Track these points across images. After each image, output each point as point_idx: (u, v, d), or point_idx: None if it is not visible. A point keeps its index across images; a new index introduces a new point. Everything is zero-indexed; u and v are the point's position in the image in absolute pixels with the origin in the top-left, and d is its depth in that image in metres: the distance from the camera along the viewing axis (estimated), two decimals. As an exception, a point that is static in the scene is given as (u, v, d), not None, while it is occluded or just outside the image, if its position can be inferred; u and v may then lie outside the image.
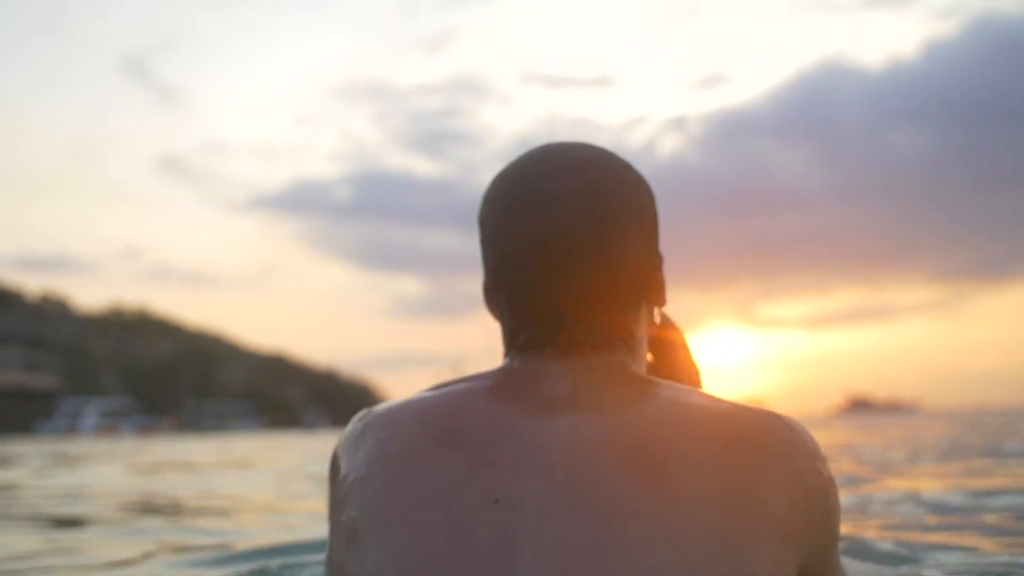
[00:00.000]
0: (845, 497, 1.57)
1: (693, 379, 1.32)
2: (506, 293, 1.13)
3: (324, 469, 1.19)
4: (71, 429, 58.05)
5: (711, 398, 1.04)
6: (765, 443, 1.00)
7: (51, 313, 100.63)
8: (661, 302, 1.20)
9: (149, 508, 4.14)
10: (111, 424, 59.38)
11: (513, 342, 1.13)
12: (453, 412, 1.05)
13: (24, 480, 6.84)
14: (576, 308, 1.09)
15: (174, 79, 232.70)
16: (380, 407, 1.13)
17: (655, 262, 1.17)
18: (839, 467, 5.87)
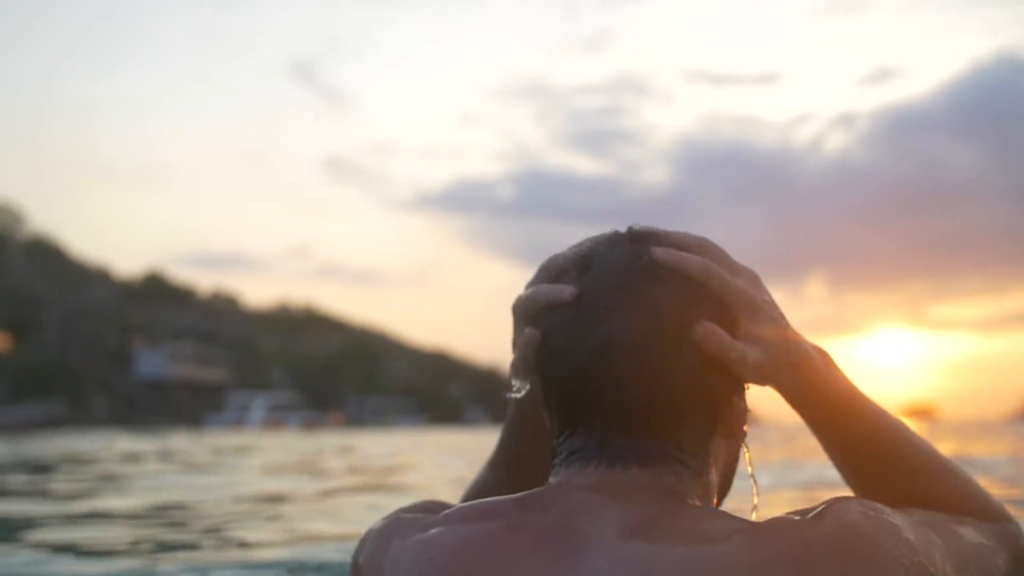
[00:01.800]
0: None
1: (745, 305, 1.15)
2: (555, 396, 1.10)
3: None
4: (239, 422, 58.72)
5: (773, 540, 0.94)
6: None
7: (222, 309, 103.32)
8: (736, 434, 1.12)
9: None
10: (278, 418, 59.86)
11: (559, 450, 1.10)
12: (468, 565, 0.98)
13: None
14: (627, 421, 1.05)
15: (340, 83, 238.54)
16: (399, 537, 1.06)
17: (729, 390, 1.10)
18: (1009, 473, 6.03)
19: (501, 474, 1.39)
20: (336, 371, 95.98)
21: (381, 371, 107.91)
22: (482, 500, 1.07)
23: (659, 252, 1.07)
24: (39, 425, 40.40)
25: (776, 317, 1.12)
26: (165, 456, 11.04)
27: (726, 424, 1.10)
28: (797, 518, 0.97)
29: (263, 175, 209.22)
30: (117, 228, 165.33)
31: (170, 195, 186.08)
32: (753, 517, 1.07)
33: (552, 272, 1.13)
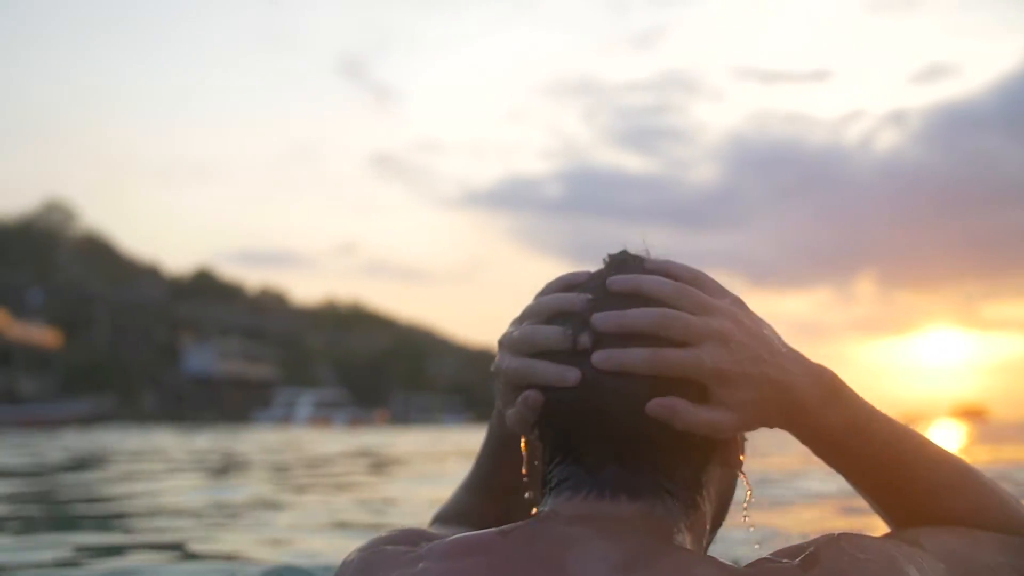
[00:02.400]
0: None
1: (712, 374, 1.07)
2: (545, 429, 1.08)
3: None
4: (286, 418, 58.91)
5: None
6: None
7: (270, 306, 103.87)
8: (733, 464, 1.10)
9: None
10: (324, 415, 59.92)
11: (549, 478, 1.08)
12: None
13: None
14: (618, 451, 1.03)
15: (388, 79, 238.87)
16: (381, 573, 1.02)
17: None
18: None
19: (477, 499, 1.38)
20: (382, 368, 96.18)
21: (427, 368, 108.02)
22: (466, 534, 1.04)
23: (599, 356, 1.01)
24: (89, 420, 40.68)
25: (757, 357, 1.03)
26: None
27: (721, 454, 1.07)
28: (785, 562, 0.95)
29: (311, 172, 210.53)
30: (167, 225, 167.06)
31: (219, 192, 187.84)
32: (756, 548, 1.06)
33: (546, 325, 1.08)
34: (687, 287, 1.05)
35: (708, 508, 1.08)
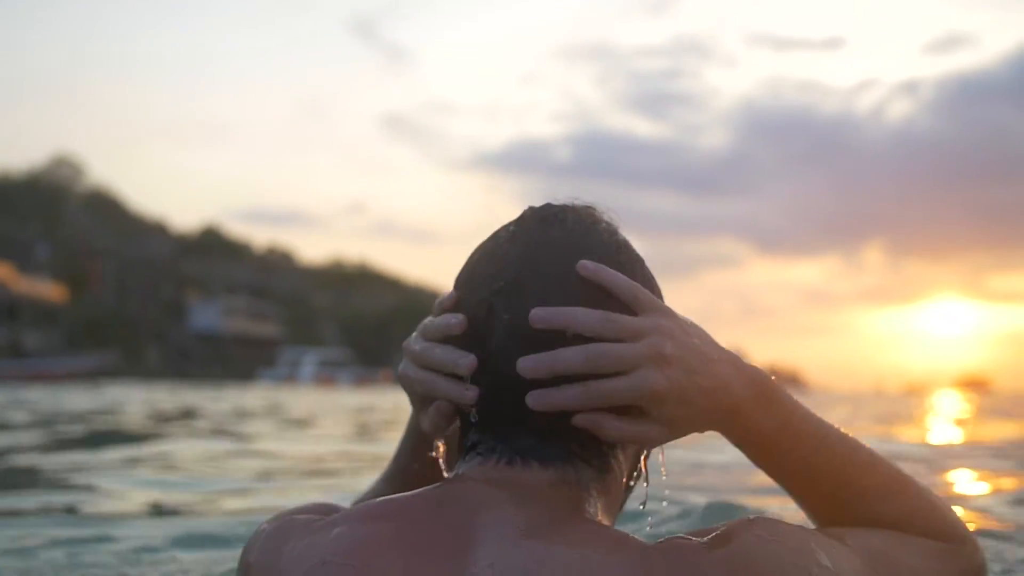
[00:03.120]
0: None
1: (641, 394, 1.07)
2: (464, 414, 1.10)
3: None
4: (290, 377, 59.00)
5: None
6: None
7: (276, 265, 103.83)
8: None
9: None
10: (328, 374, 60.00)
11: (462, 442, 1.10)
12: (358, 571, 0.95)
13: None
14: (529, 419, 1.03)
15: (401, 40, 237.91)
16: (293, 539, 1.03)
17: None
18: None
19: (395, 489, 1.37)
20: (388, 328, 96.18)
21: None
22: (376, 500, 1.06)
23: (536, 400, 1.01)
24: (94, 375, 40.73)
25: (690, 369, 1.02)
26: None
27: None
28: (693, 540, 0.94)
29: (321, 131, 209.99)
30: (175, 182, 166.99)
31: (228, 150, 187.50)
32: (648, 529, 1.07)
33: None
34: (611, 316, 1.01)
35: (624, 468, 1.09)
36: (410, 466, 1.36)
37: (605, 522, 1.05)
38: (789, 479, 1.16)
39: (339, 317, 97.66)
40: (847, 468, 1.14)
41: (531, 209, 1.12)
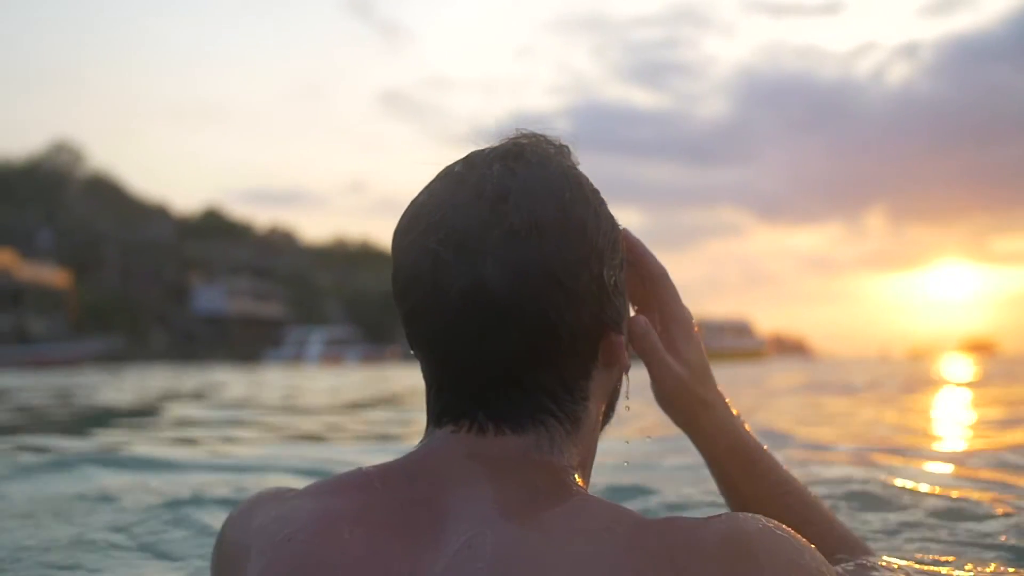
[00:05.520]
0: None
1: (686, 324, 1.24)
2: (422, 352, 1.04)
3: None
4: (297, 357, 59.06)
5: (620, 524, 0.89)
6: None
7: (279, 245, 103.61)
8: (621, 365, 1.07)
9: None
10: (336, 352, 60.09)
11: (432, 408, 1.04)
12: (324, 547, 0.91)
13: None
14: (498, 374, 0.98)
15: (396, 16, 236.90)
16: (260, 512, 1.01)
17: (604, 322, 1.02)
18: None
19: None
20: (392, 305, 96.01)
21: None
22: (347, 472, 1.02)
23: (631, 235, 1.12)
24: (99, 359, 40.78)
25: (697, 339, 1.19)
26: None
27: (604, 355, 1.04)
28: (689, 519, 0.91)
29: (320, 110, 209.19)
30: (175, 165, 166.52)
31: (227, 131, 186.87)
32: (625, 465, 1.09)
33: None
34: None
35: (595, 417, 1.06)
36: None
37: (582, 480, 1.01)
38: (743, 488, 1.26)
39: (343, 296, 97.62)
40: (795, 491, 1.27)
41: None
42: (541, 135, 1.09)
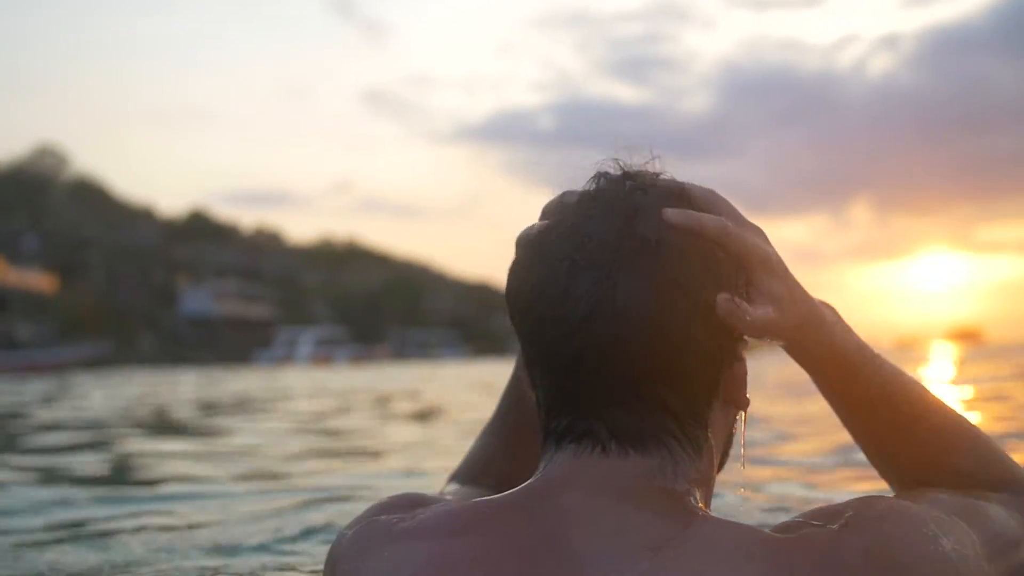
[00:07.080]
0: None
1: (759, 257, 1.07)
2: (544, 363, 1.01)
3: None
4: (287, 357, 59.02)
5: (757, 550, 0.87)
6: None
7: (265, 246, 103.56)
8: (740, 403, 1.05)
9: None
10: (325, 353, 60.04)
11: (550, 429, 1.01)
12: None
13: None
14: (622, 394, 0.96)
15: (378, 14, 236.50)
16: (374, 547, 0.98)
17: (727, 356, 1.01)
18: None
19: (499, 443, 1.39)
20: (379, 305, 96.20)
21: (424, 304, 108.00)
22: (461, 505, 0.99)
23: (671, 214, 0.99)
24: (87, 364, 40.68)
25: (787, 273, 1.06)
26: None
27: (727, 390, 1.02)
28: (822, 528, 0.89)
29: (304, 111, 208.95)
30: (160, 167, 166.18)
31: (212, 133, 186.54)
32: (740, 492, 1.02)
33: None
34: (727, 222, 1.03)
35: (714, 453, 1.03)
36: (518, 418, 1.35)
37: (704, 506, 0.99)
38: (866, 409, 1.15)
39: (330, 295, 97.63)
40: (923, 404, 1.15)
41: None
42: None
